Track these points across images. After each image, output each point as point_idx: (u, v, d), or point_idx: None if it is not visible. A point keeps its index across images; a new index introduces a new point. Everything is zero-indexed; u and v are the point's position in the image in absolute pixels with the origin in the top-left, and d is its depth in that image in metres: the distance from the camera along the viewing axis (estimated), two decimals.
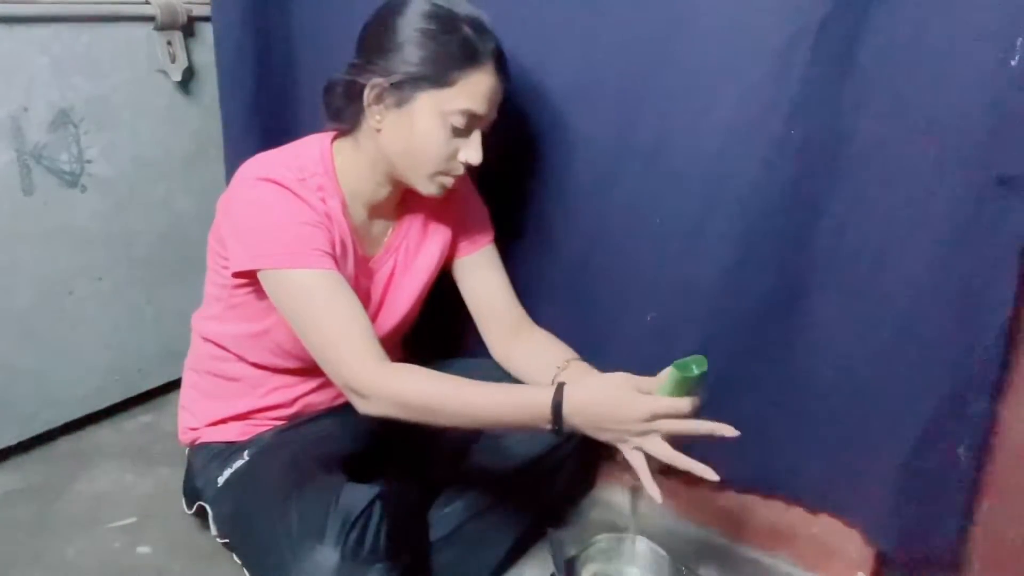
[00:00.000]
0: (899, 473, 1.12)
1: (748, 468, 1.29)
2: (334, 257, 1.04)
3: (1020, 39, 0.91)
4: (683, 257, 1.20)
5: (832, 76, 1.04)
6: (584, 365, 1.18)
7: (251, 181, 1.04)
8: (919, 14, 0.98)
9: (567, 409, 0.91)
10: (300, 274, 1.01)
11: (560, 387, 0.92)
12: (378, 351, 0.99)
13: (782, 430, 1.23)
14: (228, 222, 1.07)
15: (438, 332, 1.37)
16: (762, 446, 1.25)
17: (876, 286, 1.10)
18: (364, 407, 0.99)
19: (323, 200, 1.06)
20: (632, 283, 1.28)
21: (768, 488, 1.30)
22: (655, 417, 0.89)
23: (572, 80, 1.24)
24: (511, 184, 1.35)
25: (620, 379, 0.93)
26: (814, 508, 1.27)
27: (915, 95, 1.01)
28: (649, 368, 1.27)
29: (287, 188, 1.02)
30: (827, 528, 1.26)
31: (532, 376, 1.21)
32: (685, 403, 0.89)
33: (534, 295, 1.38)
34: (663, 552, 1.11)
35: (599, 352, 1.32)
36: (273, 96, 1.55)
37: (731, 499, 1.34)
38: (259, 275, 1.04)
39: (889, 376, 1.11)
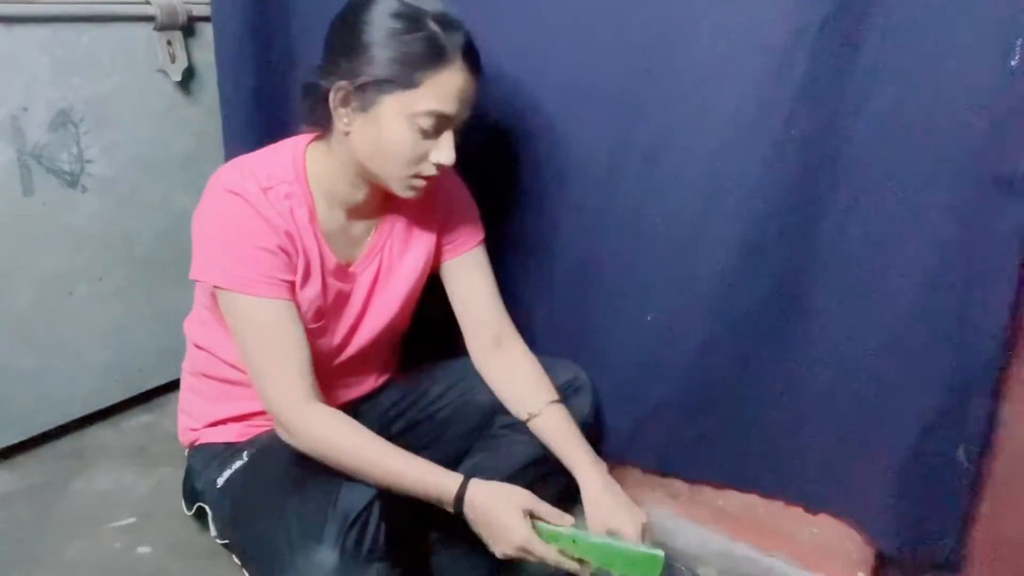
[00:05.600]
0: (899, 473, 1.12)
1: (748, 468, 1.29)
2: (291, 283, 1.05)
3: (1020, 39, 0.91)
4: (683, 257, 1.20)
5: (832, 76, 1.04)
6: (561, 410, 1.18)
7: (219, 191, 1.03)
8: (919, 14, 0.98)
9: (467, 503, 1.01)
10: (247, 300, 1.02)
11: (466, 483, 1.01)
12: (308, 390, 1.04)
13: (782, 430, 1.23)
14: (195, 227, 1.07)
15: (437, 333, 1.37)
16: (762, 446, 1.26)
17: (876, 286, 1.09)
18: (287, 439, 1.05)
19: (291, 210, 1.05)
20: (632, 283, 1.27)
21: (768, 488, 1.30)
22: (523, 551, 0.99)
23: (572, 80, 1.24)
24: (510, 184, 1.35)
25: (520, 501, 1.01)
26: (814, 508, 1.27)
27: (915, 95, 1.00)
28: (649, 368, 1.28)
29: (251, 204, 1.01)
30: (827, 528, 1.26)
31: (506, 399, 1.22)
32: (553, 556, 0.99)
33: (534, 295, 1.38)
34: (662, 552, 1.10)
35: (599, 352, 1.32)
36: (273, 96, 1.55)
37: (731, 499, 1.34)
38: (214, 287, 1.05)
39: (889, 376, 1.11)
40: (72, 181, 1.49)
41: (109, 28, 1.48)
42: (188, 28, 1.59)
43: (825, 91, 1.05)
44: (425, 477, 1.02)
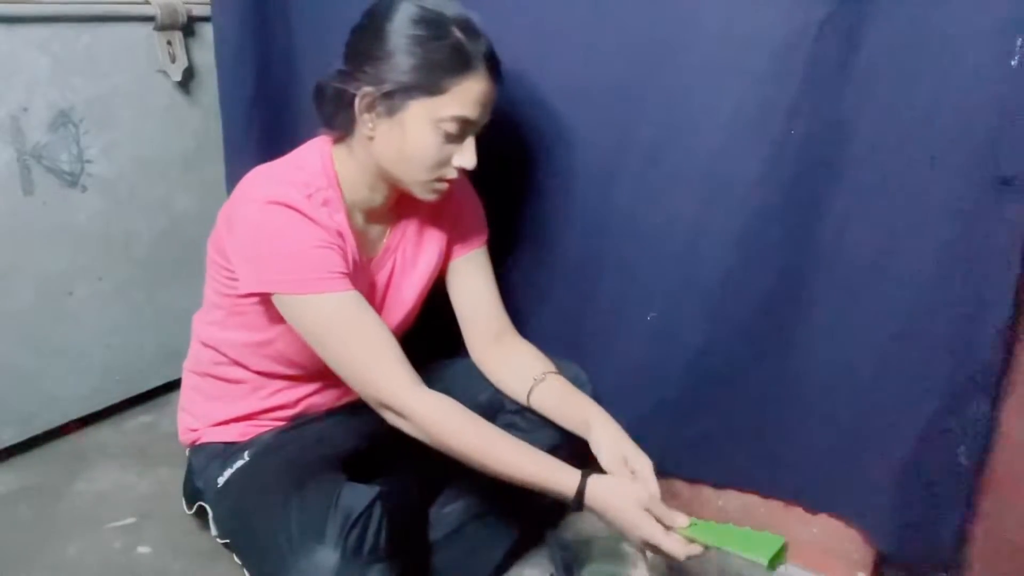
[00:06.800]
0: (899, 473, 1.12)
1: (748, 468, 1.29)
2: (349, 275, 1.04)
3: (1020, 39, 0.91)
4: (683, 257, 1.20)
5: (832, 76, 1.04)
6: (560, 380, 1.19)
7: (259, 203, 1.01)
8: (919, 14, 0.98)
9: (587, 499, 1.00)
10: (320, 299, 1.01)
11: (585, 477, 1.00)
12: (413, 373, 1.03)
13: (782, 430, 1.23)
14: (235, 242, 1.05)
15: (437, 332, 1.37)
16: (762, 446, 1.26)
17: (876, 286, 1.10)
18: (399, 424, 1.03)
19: (330, 216, 1.05)
20: (632, 283, 1.28)
21: (768, 488, 1.30)
22: (649, 547, 0.99)
23: (572, 80, 1.24)
24: (512, 185, 1.35)
25: (640, 499, 0.99)
26: (814, 508, 1.27)
27: (915, 95, 1.01)
28: (649, 368, 1.28)
29: (297, 210, 1.01)
30: (827, 528, 1.26)
31: (505, 383, 1.22)
32: (680, 550, 0.97)
33: (534, 295, 1.38)
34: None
35: (599, 352, 1.32)
36: (273, 96, 1.56)
37: (731, 499, 1.34)
38: (273, 298, 1.03)
39: (889, 376, 1.11)
40: (72, 181, 1.49)
41: (109, 28, 1.48)
42: (188, 28, 1.59)
43: (825, 91, 1.05)
44: (542, 470, 1.01)
